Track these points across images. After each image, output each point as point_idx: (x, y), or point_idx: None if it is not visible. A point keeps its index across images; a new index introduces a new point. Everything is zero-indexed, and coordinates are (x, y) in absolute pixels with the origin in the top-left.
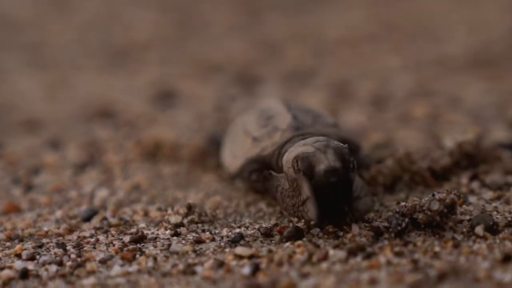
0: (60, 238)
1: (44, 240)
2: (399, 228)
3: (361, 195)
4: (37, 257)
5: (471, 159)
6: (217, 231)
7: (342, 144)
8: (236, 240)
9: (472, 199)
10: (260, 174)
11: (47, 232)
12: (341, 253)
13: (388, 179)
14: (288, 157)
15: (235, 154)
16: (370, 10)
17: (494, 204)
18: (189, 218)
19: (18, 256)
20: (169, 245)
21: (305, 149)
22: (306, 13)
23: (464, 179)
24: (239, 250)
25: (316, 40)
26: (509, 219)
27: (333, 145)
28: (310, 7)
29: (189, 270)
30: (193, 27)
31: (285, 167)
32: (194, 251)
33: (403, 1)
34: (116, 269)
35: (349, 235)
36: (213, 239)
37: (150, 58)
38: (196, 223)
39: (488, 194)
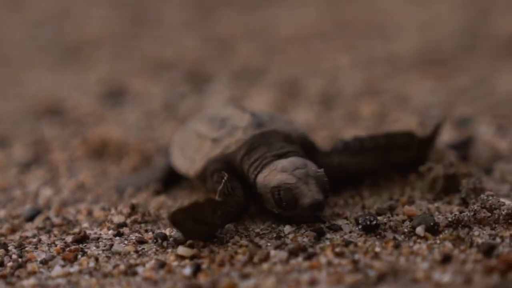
0: (2, 238)
1: None
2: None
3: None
4: None
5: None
6: (160, 231)
7: (319, 170)
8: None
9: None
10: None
11: None
12: (282, 254)
13: None
14: (265, 181)
15: (193, 158)
16: (321, 8)
17: (436, 205)
18: (132, 218)
19: None
20: (111, 245)
21: (286, 178)
22: (258, 10)
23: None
24: (181, 250)
25: (267, 37)
26: (450, 219)
27: (313, 173)
28: (262, 5)
29: (131, 271)
30: (144, 24)
31: (262, 190)
32: (136, 251)
33: None
34: (57, 269)
35: (291, 236)
36: (155, 239)
37: (101, 55)
38: (139, 223)
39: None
